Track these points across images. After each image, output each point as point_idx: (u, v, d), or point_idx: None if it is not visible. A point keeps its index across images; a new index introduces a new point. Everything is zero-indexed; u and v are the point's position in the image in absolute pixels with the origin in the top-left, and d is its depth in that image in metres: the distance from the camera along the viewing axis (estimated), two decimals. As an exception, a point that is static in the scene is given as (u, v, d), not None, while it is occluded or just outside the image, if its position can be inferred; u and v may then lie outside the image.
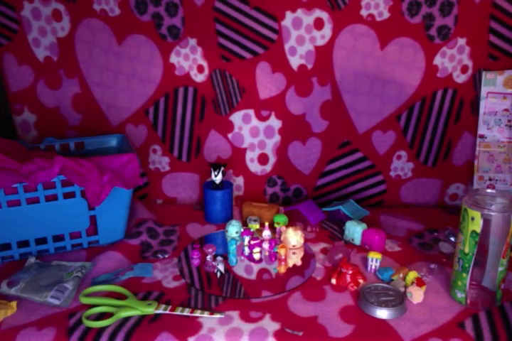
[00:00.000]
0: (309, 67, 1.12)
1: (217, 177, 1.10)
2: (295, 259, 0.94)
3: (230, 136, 1.20)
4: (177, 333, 0.74)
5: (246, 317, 0.78)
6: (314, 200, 1.15)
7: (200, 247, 0.96)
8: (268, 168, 1.22)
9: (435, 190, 1.21)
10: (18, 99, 1.19)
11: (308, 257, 0.96)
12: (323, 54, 1.11)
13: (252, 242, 0.97)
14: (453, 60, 1.10)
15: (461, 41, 1.08)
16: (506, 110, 1.10)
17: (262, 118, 1.18)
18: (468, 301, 0.80)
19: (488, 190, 0.80)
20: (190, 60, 1.14)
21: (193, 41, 1.12)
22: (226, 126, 1.19)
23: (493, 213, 0.74)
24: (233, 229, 1.00)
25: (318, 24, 1.09)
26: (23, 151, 0.99)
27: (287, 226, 1.00)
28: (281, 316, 0.78)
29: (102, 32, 1.13)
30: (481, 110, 1.11)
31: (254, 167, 1.22)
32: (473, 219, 0.75)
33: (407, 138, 1.17)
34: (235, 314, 0.78)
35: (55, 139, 1.11)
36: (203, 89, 1.16)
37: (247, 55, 1.12)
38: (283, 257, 0.92)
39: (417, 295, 0.82)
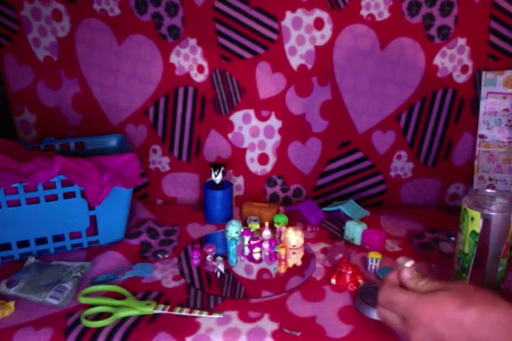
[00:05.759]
0: (309, 67, 1.12)
1: (217, 177, 1.10)
2: (295, 259, 0.94)
3: (230, 136, 1.20)
4: (175, 333, 0.74)
5: (244, 317, 0.78)
6: (314, 200, 1.15)
7: (200, 247, 0.96)
8: (268, 168, 1.22)
9: (435, 190, 1.21)
10: (18, 99, 1.19)
11: (308, 257, 0.96)
12: (323, 54, 1.11)
13: (252, 242, 0.97)
14: (453, 60, 1.10)
15: (461, 41, 1.08)
16: (506, 110, 1.09)
17: (262, 118, 1.18)
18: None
19: (488, 190, 0.80)
20: (190, 60, 1.14)
21: (193, 41, 1.12)
22: (226, 126, 1.19)
23: (493, 213, 0.74)
24: (233, 229, 1.01)
25: (318, 24, 1.09)
26: (23, 151, 0.99)
27: (287, 226, 1.00)
28: (280, 316, 0.78)
29: (102, 32, 1.13)
30: (481, 110, 1.11)
31: (254, 167, 1.22)
32: (473, 219, 0.75)
33: (407, 138, 1.17)
34: (233, 314, 0.78)
35: (55, 139, 1.11)
36: (203, 89, 1.16)
37: (247, 55, 1.12)
38: (283, 257, 0.92)
39: None
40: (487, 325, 0.54)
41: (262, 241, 0.98)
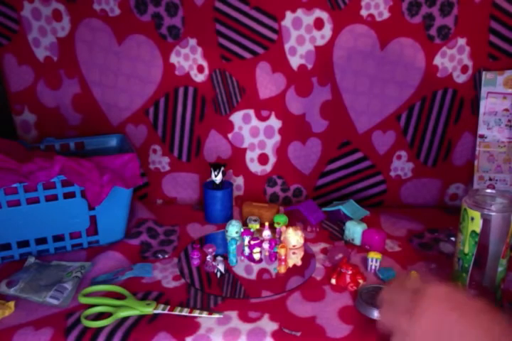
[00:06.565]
0: (309, 67, 1.12)
1: (217, 177, 1.10)
2: (295, 259, 0.94)
3: (230, 136, 1.20)
4: (175, 333, 0.74)
5: (244, 317, 0.78)
6: (314, 200, 1.15)
7: (200, 247, 0.96)
8: (268, 168, 1.22)
9: (435, 190, 1.21)
10: (18, 99, 1.19)
11: (308, 257, 0.96)
12: (323, 54, 1.11)
13: (252, 242, 0.97)
14: (453, 60, 1.09)
15: (461, 41, 1.08)
16: (506, 110, 1.09)
17: (262, 118, 1.18)
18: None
19: (488, 190, 0.80)
20: (190, 60, 1.14)
21: (193, 41, 1.12)
22: (226, 126, 1.19)
23: (492, 213, 0.74)
24: (233, 229, 1.01)
25: (318, 24, 1.09)
26: (23, 151, 0.99)
27: (287, 226, 1.00)
28: (280, 316, 0.78)
29: (102, 32, 1.13)
30: (481, 110, 1.11)
31: (254, 167, 1.22)
32: (472, 219, 0.75)
33: (407, 138, 1.17)
34: (233, 314, 0.78)
35: (55, 139, 1.11)
36: (203, 89, 1.16)
37: (247, 55, 1.12)
38: (283, 257, 0.92)
39: None
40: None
41: (262, 241, 0.98)
